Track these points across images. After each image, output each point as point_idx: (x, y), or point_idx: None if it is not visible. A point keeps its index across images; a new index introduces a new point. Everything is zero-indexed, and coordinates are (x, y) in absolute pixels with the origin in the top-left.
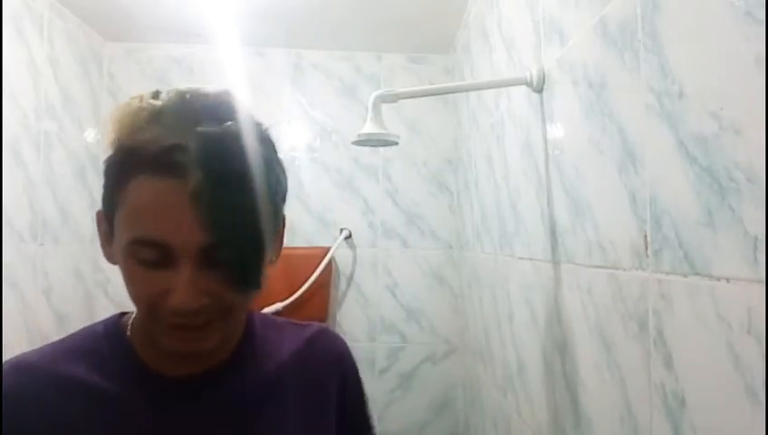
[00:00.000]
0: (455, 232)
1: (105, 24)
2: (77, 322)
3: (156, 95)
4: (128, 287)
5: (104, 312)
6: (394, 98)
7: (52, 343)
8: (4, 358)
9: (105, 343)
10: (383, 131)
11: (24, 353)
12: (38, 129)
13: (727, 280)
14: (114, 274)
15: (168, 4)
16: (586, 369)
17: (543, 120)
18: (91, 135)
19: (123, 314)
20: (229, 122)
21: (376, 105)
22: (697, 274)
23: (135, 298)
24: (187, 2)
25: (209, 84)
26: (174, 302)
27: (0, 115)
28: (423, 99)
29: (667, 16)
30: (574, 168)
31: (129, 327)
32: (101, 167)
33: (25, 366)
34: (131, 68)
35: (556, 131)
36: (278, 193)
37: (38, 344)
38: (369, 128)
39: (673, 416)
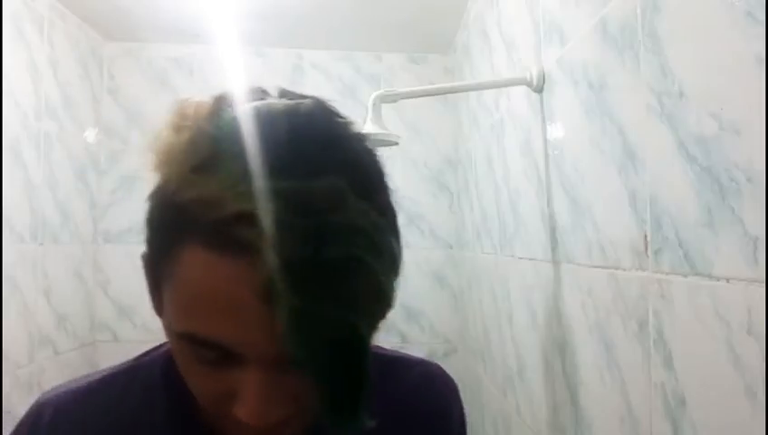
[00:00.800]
0: (455, 232)
1: (105, 24)
2: (77, 322)
3: (215, 111)
4: (183, 374)
5: (104, 312)
6: (394, 98)
7: (109, 376)
8: (5, 358)
9: (162, 386)
10: (383, 131)
11: (73, 387)
12: (38, 129)
13: (727, 280)
14: (114, 274)
15: (168, 4)
16: (586, 369)
17: (543, 120)
18: (91, 135)
19: None
20: (324, 166)
21: (376, 105)
22: (697, 274)
23: (191, 390)
24: (187, 2)
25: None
26: (243, 416)
27: (0, 115)
28: (423, 99)
29: (667, 16)
30: (574, 168)
31: None
32: (102, 167)
33: (68, 405)
34: (131, 68)
35: (556, 131)
36: (395, 267)
37: (37, 345)
38: (369, 128)
39: (673, 416)
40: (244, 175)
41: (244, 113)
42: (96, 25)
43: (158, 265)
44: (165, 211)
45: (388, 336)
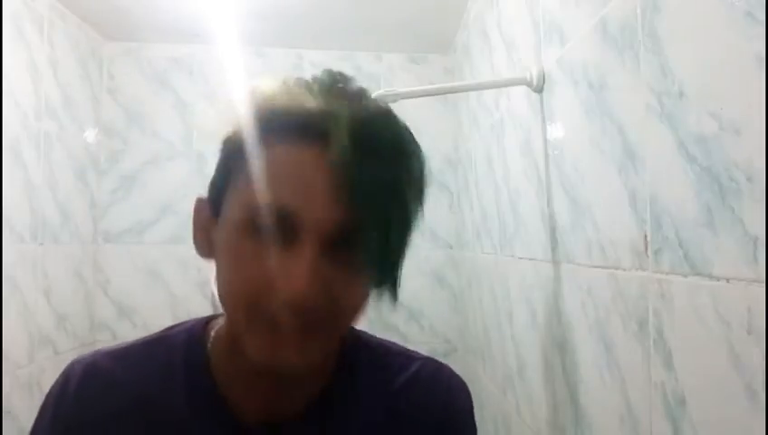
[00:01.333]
0: (455, 232)
1: (105, 24)
2: (77, 322)
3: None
4: (228, 275)
5: (104, 312)
6: (394, 98)
7: (135, 345)
8: (5, 358)
9: (182, 357)
10: None
11: (101, 353)
12: (38, 129)
13: (727, 280)
14: (114, 274)
15: (168, 4)
16: (586, 368)
17: (543, 120)
18: (91, 135)
19: (212, 318)
20: (384, 108)
21: None
22: (697, 274)
23: (235, 287)
24: (187, 2)
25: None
26: (289, 289)
27: (0, 115)
28: (423, 99)
29: (667, 16)
30: (574, 168)
31: (210, 341)
32: (102, 167)
33: (95, 370)
34: (131, 68)
35: (556, 131)
36: (421, 194)
37: (37, 345)
38: None
39: (673, 416)
40: (328, 92)
41: (325, 71)
42: (96, 25)
43: (229, 176)
44: (244, 132)
45: (389, 336)
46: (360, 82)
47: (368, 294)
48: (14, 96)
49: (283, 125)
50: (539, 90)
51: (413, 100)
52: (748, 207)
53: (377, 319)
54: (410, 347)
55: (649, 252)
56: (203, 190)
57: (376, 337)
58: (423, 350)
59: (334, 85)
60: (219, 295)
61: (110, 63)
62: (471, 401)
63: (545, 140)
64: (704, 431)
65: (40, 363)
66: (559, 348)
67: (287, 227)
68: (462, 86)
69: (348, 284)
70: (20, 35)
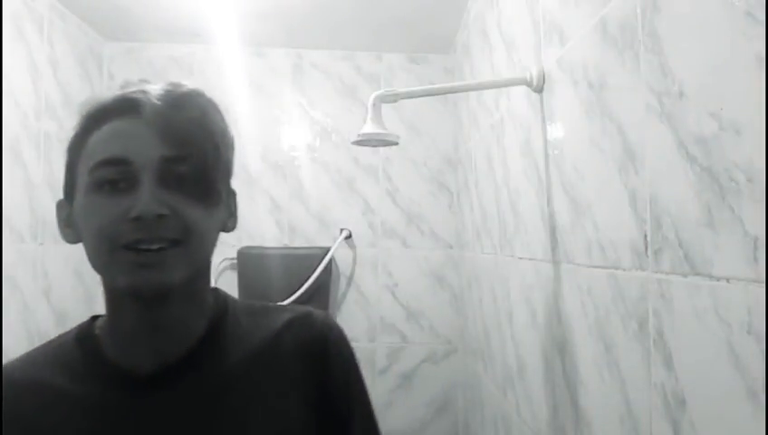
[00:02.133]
0: (455, 232)
1: (105, 24)
2: (77, 321)
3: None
4: (88, 228)
5: (104, 311)
6: (394, 98)
7: (31, 350)
8: (5, 358)
9: (76, 344)
10: (383, 131)
11: (7, 363)
12: (38, 129)
13: (727, 280)
14: None
15: (168, 4)
16: (586, 369)
17: (543, 120)
18: None
19: (96, 317)
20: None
21: (376, 105)
22: (697, 274)
23: (96, 232)
24: (187, 1)
25: (210, 84)
26: (135, 211)
27: (0, 115)
28: (423, 99)
29: (667, 16)
30: (574, 168)
31: (97, 327)
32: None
33: (4, 372)
34: (131, 68)
35: (556, 131)
36: (226, 145)
37: (37, 344)
38: (369, 128)
39: (673, 416)
40: (134, 86)
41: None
42: (96, 25)
43: (75, 159)
44: (82, 122)
45: (389, 336)
46: (360, 81)
47: (211, 218)
48: (14, 96)
49: (103, 112)
50: (539, 90)
51: (413, 100)
52: (748, 207)
53: (377, 319)
54: (410, 347)
55: (649, 252)
56: None
57: (256, 302)
58: (423, 350)
59: (136, 83)
60: (89, 258)
61: (110, 63)
62: (343, 334)
63: (545, 140)
64: (704, 431)
65: None
66: (559, 348)
67: (125, 171)
68: (462, 86)
69: (187, 204)
70: (20, 35)
